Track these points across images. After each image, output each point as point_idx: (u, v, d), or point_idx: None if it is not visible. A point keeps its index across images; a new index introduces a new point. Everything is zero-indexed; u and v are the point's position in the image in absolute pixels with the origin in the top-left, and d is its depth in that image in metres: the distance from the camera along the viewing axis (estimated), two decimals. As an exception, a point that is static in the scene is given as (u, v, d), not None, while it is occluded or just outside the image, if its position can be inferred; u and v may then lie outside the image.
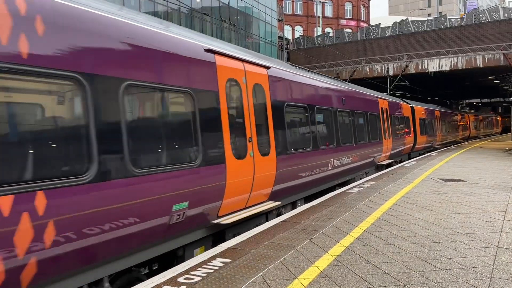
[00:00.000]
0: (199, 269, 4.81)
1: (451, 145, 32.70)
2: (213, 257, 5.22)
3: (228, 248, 5.62)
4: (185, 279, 4.50)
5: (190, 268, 4.84)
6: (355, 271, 4.71)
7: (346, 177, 12.57)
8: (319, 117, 10.13)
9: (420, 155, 24.40)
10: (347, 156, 11.72)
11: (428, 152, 26.26)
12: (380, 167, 16.67)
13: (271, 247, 5.63)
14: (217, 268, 4.84)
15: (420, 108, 24.10)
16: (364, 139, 13.58)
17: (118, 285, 4.78)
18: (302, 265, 4.92)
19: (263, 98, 7.55)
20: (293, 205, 9.29)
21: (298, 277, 4.52)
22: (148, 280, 4.51)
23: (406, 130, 20.46)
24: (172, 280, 4.46)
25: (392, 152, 17.80)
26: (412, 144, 21.93)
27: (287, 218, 7.41)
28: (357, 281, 4.40)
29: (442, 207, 8.15)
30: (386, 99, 17.59)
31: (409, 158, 22.29)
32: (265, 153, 7.42)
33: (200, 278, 4.52)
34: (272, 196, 7.93)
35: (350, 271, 4.70)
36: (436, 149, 27.93)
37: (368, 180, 12.35)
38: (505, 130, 70.20)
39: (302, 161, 8.81)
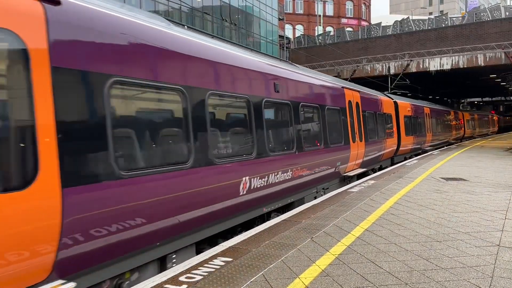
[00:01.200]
0: (200, 268, 4.81)
1: (443, 146, 30.26)
2: (214, 256, 5.23)
3: (229, 247, 5.62)
4: (186, 278, 4.50)
5: (191, 267, 4.85)
6: (356, 270, 4.71)
7: (285, 200, 8.58)
8: (219, 113, 6.43)
9: (406, 159, 21.16)
10: (282, 171, 7.91)
11: (417, 155, 23.32)
12: (348, 180, 12.58)
13: (272, 246, 5.63)
14: (218, 267, 4.84)
15: (406, 104, 20.63)
16: (317, 143, 9.71)
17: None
18: (303, 264, 4.92)
19: None
20: None
21: (299, 276, 4.52)
22: (149, 279, 4.51)
23: (388, 131, 17.14)
24: (174, 279, 4.46)
25: (365, 158, 13.91)
26: (395, 147, 18.45)
27: (288, 217, 7.41)
28: (358, 280, 4.40)
29: (443, 206, 8.15)
30: (358, 91, 13.80)
31: (392, 164, 18.88)
32: None
33: (201, 277, 4.53)
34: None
35: (351, 270, 4.70)
36: (426, 151, 24.80)
37: (369, 179, 12.34)
38: (501, 129, 68.73)
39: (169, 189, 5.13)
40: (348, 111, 12.33)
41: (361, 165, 13.67)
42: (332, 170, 10.86)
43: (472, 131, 45.31)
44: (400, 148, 19.21)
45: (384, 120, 16.82)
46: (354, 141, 12.47)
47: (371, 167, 15.35)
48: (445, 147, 28.27)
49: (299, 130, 8.72)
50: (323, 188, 10.64)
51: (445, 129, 30.75)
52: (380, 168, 17.21)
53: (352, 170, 12.88)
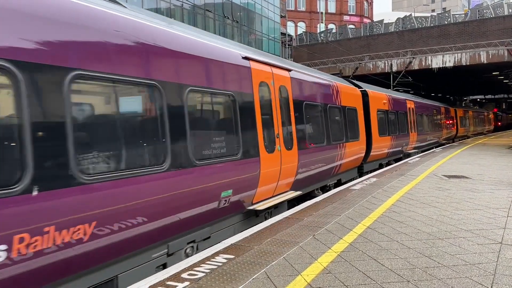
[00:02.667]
0: (202, 265, 4.82)
1: (432, 148, 26.43)
2: (217, 253, 5.24)
3: (231, 244, 5.63)
4: (188, 275, 4.52)
5: (194, 264, 4.86)
6: (358, 267, 4.71)
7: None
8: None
9: (381, 166, 16.89)
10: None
11: (398, 160, 19.04)
12: (255, 213, 7.58)
13: (274, 244, 5.64)
14: (220, 264, 4.85)
15: (380, 96, 15.98)
16: (171, 159, 5.22)
17: None
18: (305, 261, 4.93)
19: None
20: None
21: (301, 273, 4.53)
22: (152, 276, 4.53)
23: (349, 131, 12.26)
24: (176, 276, 4.48)
25: (299, 176, 9.00)
26: (363, 153, 13.64)
27: (290, 215, 7.41)
28: (360, 277, 4.40)
29: (446, 204, 8.14)
30: (280, 67, 8.55)
31: (361, 175, 14.46)
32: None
33: (203, 274, 4.54)
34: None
35: (353, 268, 4.70)
36: (409, 155, 20.57)
37: (371, 177, 12.34)
38: (497, 129, 65.78)
39: None
40: (259, 103, 7.38)
41: (293, 186, 8.83)
42: (209, 208, 6.00)
43: (466, 130, 40.15)
44: (372, 153, 14.72)
45: (343, 116, 11.84)
46: (270, 151, 7.61)
47: (316, 185, 10.41)
48: (435, 149, 24.50)
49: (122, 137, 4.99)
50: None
51: (434, 128, 26.12)
52: (338, 184, 12.15)
53: (270, 198, 7.90)
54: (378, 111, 15.42)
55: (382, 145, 15.76)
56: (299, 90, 9.18)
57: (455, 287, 4.11)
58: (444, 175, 12.28)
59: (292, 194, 8.55)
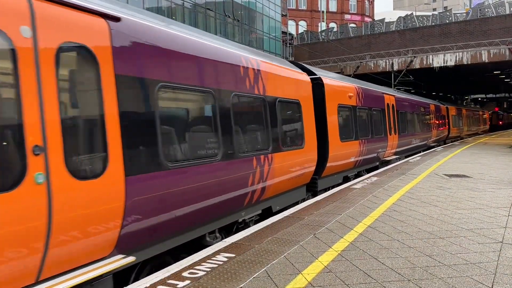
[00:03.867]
0: (203, 263, 4.83)
1: (420, 152, 23.14)
2: (217, 252, 5.24)
3: (232, 243, 5.64)
4: (189, 273, 4.52)
5: (195, 262, 4.87)
6: (359, 266, 4.72)
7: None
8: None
9: (347, 179, 12.64)
10: None
11: (370, 171, 14.92)
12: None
13: (275, 242, 5.65)
14: (221, 263, 4.86)
15: (342, 87, 11.92)
16: None
17: None
18: (306, 260, 4.93)
19: None
20: None
21: (302, 272, 4.53)
22: (153, 274, 4.53)
23: (284, 136, 8.33)
24: (177, 275, 4.48)
25: (130, 229, 4.61)
26: (313, 166, 9.57)
27: (290, 214, 7.42)
28: (361, 276, 4.41)
29: (447, 203, 8.14)
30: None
31: (314, 194, 10.61)
32: None
33: (204, 272, 4.54)
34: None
35: (354, 266, 4.70)
36: (389, 162, 16.53)
37: (372, 176, 12.34)
38: (498, 128, 64.25)
39: None
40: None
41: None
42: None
43: (459, 130, 35.92)
44: (329, 164, 10.68)
45: (269, 111, 7.72)
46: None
47: (223, 221, 6.62)
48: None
49: None
50: None
51: (422, 128, 22.28)
52: (269, 214, 8.21)
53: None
54: (340, 107, 11.36)
55: (345, 153, 11.64)
56: (174, 72, 5.35)
57: (456, 286, 4.11)
58: (445, 174, 12.27)
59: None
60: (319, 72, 11.11)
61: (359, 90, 13.14)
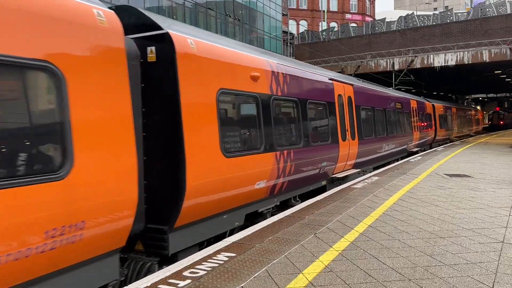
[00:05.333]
0: (204, 263, 4.83)
1: (398, 159, 18.71)
2: (218, 251, 5.25)
3: (233, 242, 5.64)
4: (190, 272, 4.53)
5: (195, 262, 4.87)
6: (359, 265, 4.72)
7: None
8: None
9: (253, 219, 7.74)
10: None
11: (315, 194, 10.01)
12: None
13: (275, 242, 5.65)
14: (222, 262, 4.86)
15: (227, 59, 6.61)
16: None
17: None
18: (306, 259, 4.93)
19: None
20: None
21: (302, 272, 4.54)
22: (154, 274, 4.54)
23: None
24: (178, 274, 4.49)
25: None
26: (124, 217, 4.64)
27: (291, 213, 7.42)
28: (361, 276, 4.41)
29: (447, 202, 8.13)
30: None
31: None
32: None
33: (205, 272, 4.55)
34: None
35: (355, 266, 4.70)
36: (344, 180, 11.71)
37: (373, 176, 12.33)
38: (500, 128, 62.14)
39: None
40: None
41: None
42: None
43: (448, 132, 30.85)
44: (189, 206, 5.64)
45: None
46: None
47: None
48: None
49: None
50: None
51: (398, 130, 17.58)
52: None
53: None
54: (221, 92, 6.40)
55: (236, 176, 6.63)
56: None
57: (457, 286, 4.11)
58: (445, 174, 12.26)
59: None
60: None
61: (276, 70, 8.11)
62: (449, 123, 31.16)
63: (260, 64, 7.55)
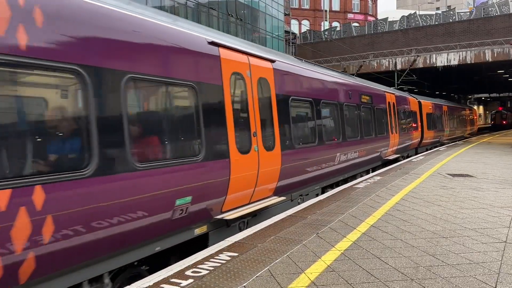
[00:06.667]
0: (206, 262, 4.83)
1: (369, 170, 14.75)
2: (220, 251, 5.25)
3: (235, 242, 5.64)
4: (192, 272, 4.53)
5: (197, 261, 4.87)
6: (362, 265, 4.71)
7: None
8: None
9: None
10: None
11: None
12: None
13: (278, 242, 5.64)
14: (224, 261, 4.86)
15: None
16: None
17: None
18: (309, 259, 4.93)
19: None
20: None
21: (305, 271, 4.53)
22: (156, 273, 4.54)
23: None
24: (180, 274, 4.49)
25: None
26: None
27: (294, 213, 7.41)
28: (364, 276, 4.40)
29: (450, 202, 8.12)
30: None
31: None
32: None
33: (207, 271, 4.55)
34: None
35: (357, 266, 4.70)
36: (260, 211, 7.78)
37: (375, 175, 12.32)
38: (502, 127, 60.63)
39: None
40: None
41: None
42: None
43: (438, 134, 26.62)
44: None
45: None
46: None
47: None
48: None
49: None
50: None
51: (364, 133, 13.14)
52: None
53: None
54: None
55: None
56: None
57: (459, 286, 4.10)
58: (448, 174, 12.24)
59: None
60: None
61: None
62: (439, 124, 27.08)
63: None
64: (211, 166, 5.92)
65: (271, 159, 7.51)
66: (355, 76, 25.26)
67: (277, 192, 8.07)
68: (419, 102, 22.63)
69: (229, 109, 6.43)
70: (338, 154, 10.88)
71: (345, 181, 12.32)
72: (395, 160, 17.71)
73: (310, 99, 9.49)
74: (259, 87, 7.39)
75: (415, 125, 20.89)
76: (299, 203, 9.06)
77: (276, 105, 7.91)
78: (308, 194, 9.66)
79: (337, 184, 11.75)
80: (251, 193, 7.11)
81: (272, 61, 8.01)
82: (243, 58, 7.06)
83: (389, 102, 16.56)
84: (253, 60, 7.35)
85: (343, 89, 11.77)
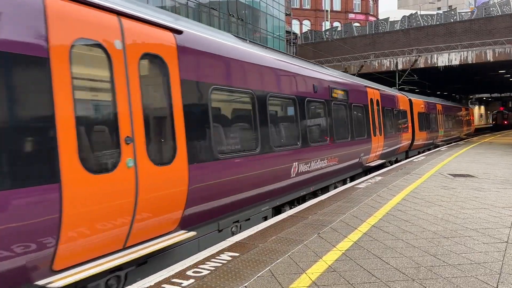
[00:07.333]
0: (207, 262, 4.83)
1: (343, 180, 12.34)
2: (221, 251, 5.25)
3: (236, 242, 5.64)
4: (193, 272, 4.53)
5: (199, 261, 4.87)
6: (363, 265, 4.71)
7: None
8: None
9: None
10: None
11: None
12: None
13: (279, 242, 5.64)
14: (225, 262, 4.86)
15: None
16: None
17: None
18: (310, 259, 4.93)
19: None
20: None
21: (306, 272, 4.53)
22: (157, 273, 4.55)
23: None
24: (181, 274, 4.49)
25: None
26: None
27: (295, 213, 7.41)
28: (365, 276, 4.40)
29: (451, 202, 8.11)
30: None
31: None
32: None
33: (208, 271, 4.55)
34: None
35: (358, 266, 4.70)
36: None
37: (377, 175, 12.31)
38: (504, 127, 60.29)
39: None
40: None
41: None
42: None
43: (431, 135, 24.71)
44: None
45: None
46: None
47: None
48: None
49: None
50: None
51: (337, 134, 10.91)
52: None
53: None
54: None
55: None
56: None
57: (461, 286, 4.10)
58: (449, 174, 12.22)
59: None
60: None
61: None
62: (432, 124, 24.87)
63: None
64: (14, 198, 3.42)
65: (166, 177, 5.10)
66: (356, 75, 24.23)
67: (186, 223, 5.61)
68: (410, 100, 20.58)
69: (60, 97, 3.89)
70: (295, 163, 8.49)
71: (314, 194, 10.22)
72: (381, 166, 15.72)
73: (250, 91, 7.00)
74: (143, 68, 4.93)
75: (404, 125, 18.79)
76: (233, 233, 6.81)
77: (181, 97, 5.45)
78: (249, 219, 7.25)
79: (304, 199, 9.71)
80: (125, 233, 4.61)
81: (177, 31, 5.55)
82: (107, 19, 4.49)
83: (371, 99, 14.27)
84: (132, 26, 4.81)
85: (305, 80, 9.34)
